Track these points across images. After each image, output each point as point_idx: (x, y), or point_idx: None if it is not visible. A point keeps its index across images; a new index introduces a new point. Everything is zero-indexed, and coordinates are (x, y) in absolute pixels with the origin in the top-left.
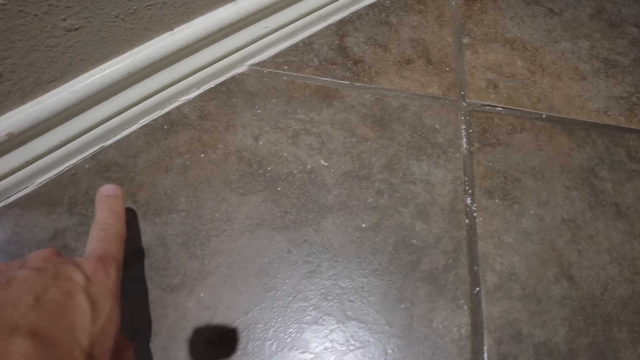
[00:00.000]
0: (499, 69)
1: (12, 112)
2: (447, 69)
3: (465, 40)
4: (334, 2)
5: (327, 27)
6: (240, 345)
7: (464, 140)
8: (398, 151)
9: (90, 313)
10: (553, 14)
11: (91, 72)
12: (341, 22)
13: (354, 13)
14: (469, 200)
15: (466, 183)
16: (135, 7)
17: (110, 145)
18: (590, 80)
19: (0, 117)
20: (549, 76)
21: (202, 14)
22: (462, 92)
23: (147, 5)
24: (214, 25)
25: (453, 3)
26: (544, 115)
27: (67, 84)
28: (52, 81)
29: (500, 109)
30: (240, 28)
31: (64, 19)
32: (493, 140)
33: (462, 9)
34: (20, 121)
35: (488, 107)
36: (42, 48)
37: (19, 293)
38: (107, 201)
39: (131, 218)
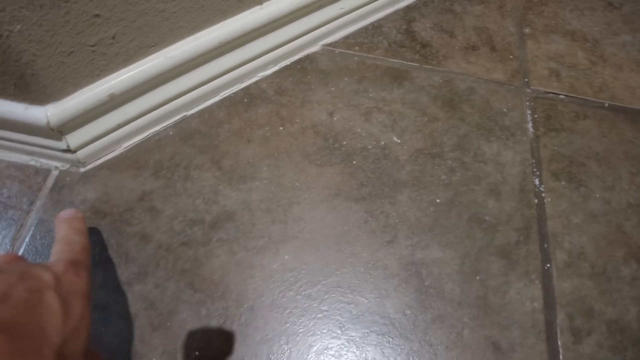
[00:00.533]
0: (561, 59)
1: (116, 74)
2: (511, 56)
3: (527, 30)
4: None
5: (395, 12)
6: (324, 307)
7: (530, 124)
8: (468, 131)
9: (61, 312)
10: (613, 7)
11: (188, 39)
12: (408, 8)
13: (419, 0)
14: (537, 181)
15: (534, 165)
16: None
17: (192, 115)
18: None
19: (106, 77)
20: (610, 67)
21: None
22: (526, 79)
23: None
24: (299, 1)
25: None
26: (606, 104)
27: (165, 49)
28: (152, 46)
29: (563, 96)
30: (320, 7)
31: None
32: (557, 126)
33: (522, 0)
34: (122, 83)
35: (551, 95)
36: (152, 12)
37: None
38: (68, 222)
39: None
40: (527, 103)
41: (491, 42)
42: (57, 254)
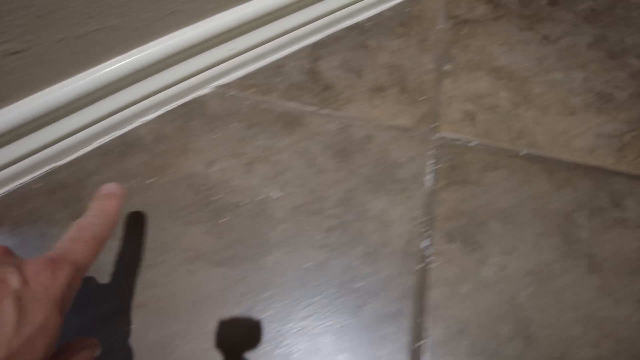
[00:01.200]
0: (480, 100)
1: None
2: (423, 98)
3: (447, 67)
4: (308, 24)
5: (302, 50)
6: None
7: (430, 176)
8: (356, 185)
9: (15, 321)
10: (548, 41)
11: (44, 91)
12: (316, 45)
13: (331, 35)
14: (426, 243)
15: (426, 224)
16: (83, 31)
17: (63, 165)
18: (580, 115)
19: None
20: (534, 109)
21: (158, 37)
22: (435, 124)
23: (95, 30)
24: (169, 49)
25: (439, 27)
26: (522, 153)
27: (18, 103)
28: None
29: (475, 143)
30: (208, 48)
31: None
32: (462, 178)
33: (448, 33)
34: None
35: (461, 141)
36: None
37: None
38: (101, 200)
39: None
40: (432, 152)
41: (403, 81)
42: (60, 241)
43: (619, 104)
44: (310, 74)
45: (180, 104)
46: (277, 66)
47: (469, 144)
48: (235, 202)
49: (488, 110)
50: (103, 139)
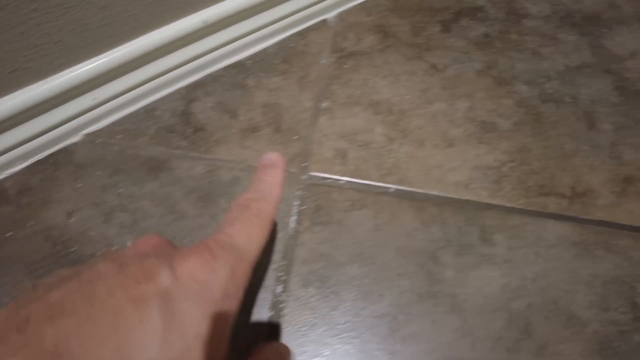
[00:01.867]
0: (353, 137)
1: None
2: (296, 137)
3: (325, 104)
4: (183, 65)
5: (176, 92)
6: None
7: (294, 218)
8: None
9: (162, 331)
10: (435, 70)
11: None
12: (192, 86)
13: (209, 75)
14: (279, 289)
15: (283, 269)
16: None
17: None
18: (459, 147)
19: None
20: (409, 144)
21: (10, 92)
22: (305, 164)
23: None
24: (21, 104)
25: (323, 61)
26: (391, 190)
27: None
28: None
29: (344, 182)
30: (66, 101)
31: None
32: (326, 219)
33: (331, 68)
34: None
35: (330, 180)
36: None
37: (65, 294)
38: (263, 172)
39: None
40: (299, 192)
41: (278, 121)
42: (221, 225)
43: (501, 133)
44: (183, 117)
45: (49, 153)
46: (149, 110)
47: (338, 183)
48: (91, 253)
49: (361, 147)
50: None
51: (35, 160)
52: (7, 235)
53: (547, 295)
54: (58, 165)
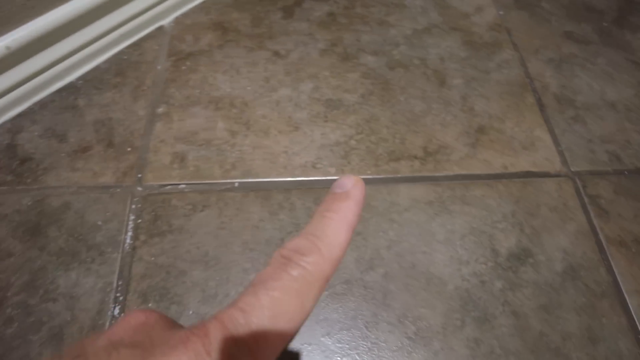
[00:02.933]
0: (193, 138)
1: None
2: (129, 149)
3: (161, 109)
4: (3, 96)
5: (1, 126)
6: None
7: (129, 234)
8: (46, 263)
9: None
10: (278, 57)
11: None
12: (18, 117)
13: (37, 103)
14: (117, 311)
15: (118, 289)
16: None
17: None
18: (305, 129)
19: None
20: (253, 135)
21: None
22: (140, 175)
23: None
24: None
25: (159, 67)
26: (236, 184)
27: None
28: None
29: (184, 186)
30: None
31: None
32: (164, 228)
33: (167, 72)
34: None
35: (169, 187)
36: None
37: None
38: (329, 204)
39: None
40: (134, 206)
41: (110, 136)
42: (244, 291)
43: (348, 107)
44: (8, 150)
45: None
46: None
47: (178, 188)
48: None
49: (202, 147)
50: None
51: None
52: None
53: (404, 261)
54: None
